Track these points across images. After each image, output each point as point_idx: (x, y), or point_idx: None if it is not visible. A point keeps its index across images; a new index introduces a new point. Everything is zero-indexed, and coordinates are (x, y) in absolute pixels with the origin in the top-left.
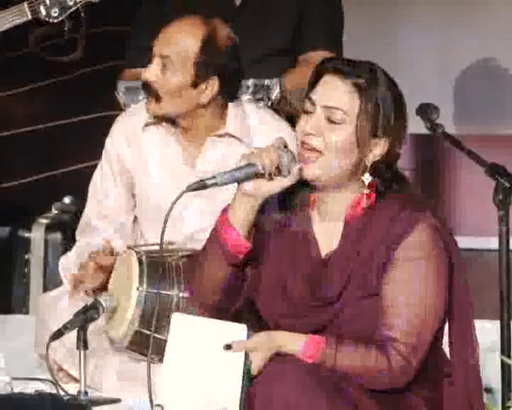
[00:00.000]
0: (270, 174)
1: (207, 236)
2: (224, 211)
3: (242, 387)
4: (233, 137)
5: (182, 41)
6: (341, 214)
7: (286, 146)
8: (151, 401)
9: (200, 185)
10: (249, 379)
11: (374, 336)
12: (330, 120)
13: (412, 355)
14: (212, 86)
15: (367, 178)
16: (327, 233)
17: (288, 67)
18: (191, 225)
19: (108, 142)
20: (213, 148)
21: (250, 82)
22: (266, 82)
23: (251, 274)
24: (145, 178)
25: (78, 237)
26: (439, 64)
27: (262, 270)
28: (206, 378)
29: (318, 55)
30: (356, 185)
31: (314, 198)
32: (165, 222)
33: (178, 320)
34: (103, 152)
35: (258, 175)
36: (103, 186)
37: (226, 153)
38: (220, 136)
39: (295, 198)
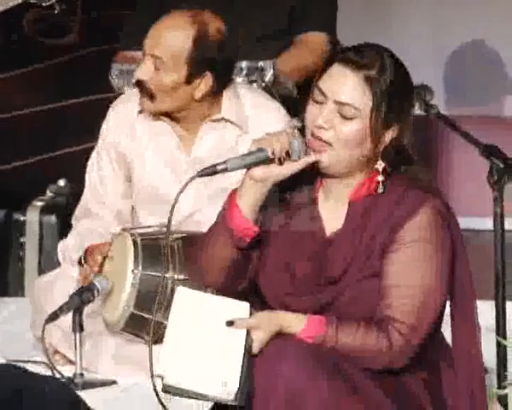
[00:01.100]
0: (279, 159)
1: (203, 217)
2: (232, 195)
3: (243, 364)
4: (228, 121)
5: (173, 40)
6: (347, 196)
7: (299, 130)
8: (153, 381)
9: (211, 171)
10: (249, 357)
11: (375, 316)
12: (342, 115)
13: (413, 335)
14: (205, 81)
15: (380, 164)
16: (332, 214)
17: (282, 49)
18: (188, 207)
19: (104, 129)
20: (208, 133)
21: (244, 64)
22: (260, 64)
23: (256, 256)
24: (141, 164)
25: (74, 223)
26: (432, 47)
27: (266, 249)
28: (207, 353)
29: (313, 37)
30: (366, 170)
31: (321, 181)
32: (172, 210)
33: (182, 294)
34: (100, 139)
35: (267, 160)
36: (101, 173)
37: (221, 137)
38: (215, 121)
39: (302, 180)
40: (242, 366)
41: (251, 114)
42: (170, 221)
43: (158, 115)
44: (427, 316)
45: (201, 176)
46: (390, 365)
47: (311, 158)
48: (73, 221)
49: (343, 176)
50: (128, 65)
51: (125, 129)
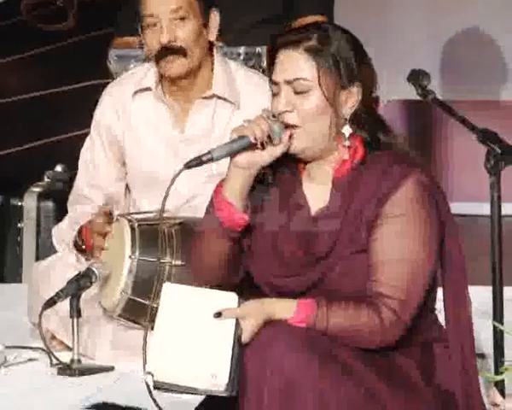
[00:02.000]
0: (262, 144)
1: (201, 202)
2: (218, 187)
3: (233, 355)
4: (220, 98)
5: None
6: (330, 174)
7: (274, 115)
8: (145, 368)
9: (197, 162)
10: (240, 347)
11: (364, 292)
12: (297, 92)
13: (403, 310)
14: (214, 19)
15: (346, 129)
16: (317, 193)
17: None
18: (185, 193)
19: (97, 112)
20: (201, 110)
21: (241, 49)
22: (258, 49)
23: (246, 243)
24: (136, 145)
25: (69, 208)
26: (428, 31)
27: (254, 235)
28: (196, 346)
29: (310, 21)
30: (341, 147)
31: (303, 165)
32: (165, 198)
33: (169, 290)
34: (92, 122)
35: (250, 147)
36: (93, 156)
37: (214, 115)
38: (207, 98)
39: (285, 166)
40: (232, 357)
41: (243, 89)
42: (163, 211)
43: (183, 77)
44: (417, 290)
45: (188, 168)
46: (382, 341)
47: (287, 133)
48: (68, 206)
49: (320, 156)
50: (125, 50)
51: (119, 111)
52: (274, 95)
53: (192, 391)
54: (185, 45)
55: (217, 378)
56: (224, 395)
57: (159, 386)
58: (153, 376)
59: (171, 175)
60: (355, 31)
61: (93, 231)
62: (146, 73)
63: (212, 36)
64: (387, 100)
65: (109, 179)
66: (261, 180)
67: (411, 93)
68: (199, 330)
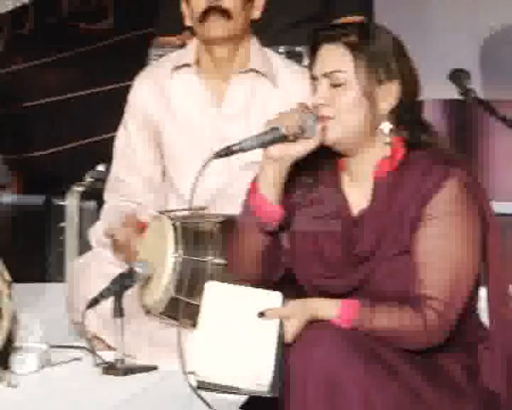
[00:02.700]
0: (294, 136)
1: (236, 190)
2: (254, 180)
3: (276, 355)
4: (257, 72)
5: None
6: (370, 174)
7: (308, 108)
8: (183, 366)
9: (227, 152)
10: (283, 347)
11: (408, 294)
12: (334, 85)
13: (447, 311)
14: None
15: (385, 126)
16: (357, 193)
17: None
18: (220, 181)
19: (131, 96)
20: (239, 86)
21: (282, 49)
22: (298, 49)
23: (288, 244)
24: (173, 125)
25: (106, 197)
26: (468, 30)
27: (295, 235)
28: (239, 346)
29: (351, 20)
30: (382, 146)
31: (343, 162)
32: (193, 191)
33: (212, 288)
34: (126, 107)
35: (283, 139)
36: (129, 141)
37: (251, 90)
38: (245, 72)
39: (324, 164)
40: (276, 358)
41: (280, 69)
42: (191, 202)
43: (224, 43)
44: (461, 290)
45: (218, 157)
46: (427, 343)
47: (323, 133)
48: (105, 195)
49: (360, 150)
50: (166, 49)
51: (154, 92)
52: (314, 89)
53: (235, 391)
54: (230, 7)
55: (260, 379)
56: (267, 395)
57: (202, 386)
58: (196, 375)
59: (208, 153)
60: (395, 30)
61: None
62: (182, 53)
63: (256, 14)
64: (429, 99)
65: (146, 161)
66: (301, 179)
67: (450, 93)
68: (242, 330)
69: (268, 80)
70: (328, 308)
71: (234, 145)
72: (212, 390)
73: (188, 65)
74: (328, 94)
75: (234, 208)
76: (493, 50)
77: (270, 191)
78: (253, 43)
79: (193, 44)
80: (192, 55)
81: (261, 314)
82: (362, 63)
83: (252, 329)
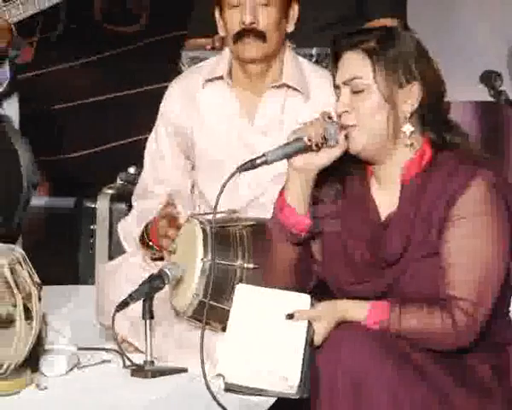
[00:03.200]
0: (317, 145)
1: (268, 199)
2: (281, 193)
3: (304, 357)
4: (290, 87)
5: None
6: (398, 177)
7: (330, 117)
8: (203, 368)
9: (251, 165)
10: (311, 349)
11: (437, 295)
12: (354, 92)
13: (476, 311)
14: (294, 10)
15: (407, 128)
16: (385, 197)
17: None
18: (246, 194)
19: (163, 104)
20: (271, 100)
21: (314, 51)
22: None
23: (317, 251)
24: (204, 135)
25: (134, 203)
26: (498, 32)
27: (325, 242)
28: (267, 348)
29: (384, 22)
30: (407, 150)
31: (370, 169)
32: (217, 203)
33: (242, 291)
34: (158, 115)
35: (306, 149)
36: (159, 149)
37: (284, 104)
38: (278, 87)
39: (352, 170)
40: (304, 360)
41: (313, 81)
42: (215, 213)
43: (257, 63)
44: (489, 290)
45: (241, 171)
46: (456, 344)
47: (344, 133)
48: (133, 200)
49: (384, 156)
50: (198, 51)
51: (186, 102)
52: (337, 99)
53: (263, 393)
54: (265, 30)
55: (288, 381)
56: (295, 397)
57: (230, 388)
58: (224, 378)
59: (233, 178)
60: (425, 32)
61: (158, 234)
62: (215, 64)
63: (291, 27)
64: (460, 101)
65: (175, 171)
66: (331, 186)
67: (483, 95)
68: (271, 332)
69: (300, 94)
70: (358, 310)
71: (257, 158)
72: (240, 393)
73: (220, 77)
74: (349, 101)
75: (266, 216)
76: None
77: (297, 202)
78: (287, 56)
79: (225, 55)
80: (224, 67)
81: (290, 316)
82: (381, 68)
83: (280, 331)
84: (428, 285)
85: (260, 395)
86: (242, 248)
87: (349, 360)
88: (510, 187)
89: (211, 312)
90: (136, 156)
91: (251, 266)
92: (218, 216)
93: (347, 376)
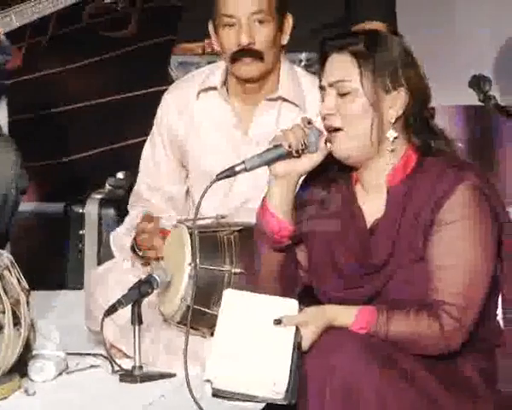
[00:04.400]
0: (297, 152)
1: (256, 205)
2: (263, 198)
3: (292, 362)
4: (285, 100)
5: None
6: (383, 183)
7: (310, 123)
8: (186, 373)
9: (230, 172)
10: (299, 354)
11: (424, 301)
12: (340, 94)
13: (464, 316)
14: (288, 22)
15: (390, 133)
16: (372, 204)
17: None
18: (243, 195)
19: (159, 112)
20: (266, 112)
21: (303, 55)
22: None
23: (305, 259)
24: (198, 144)
25: (130, 210)
26: (493, 35)
27: (311, 249)
28: (255, 354)
29: (372, 26)
30: (392, 155)
31: (356, 175)
32: (197, 208)
33: (230, 296)
34: (154, 123)
35: (287, 155)
36: (154, 157)
37: (279, 117)
38: (273, 99)
39: (338, 176)
40: (291, 365)
41: (309, 92)
42: (195, 220)
43: (255, 81)
44: (477, 294)
45: (220, 179)
46: (444, 349)
47: (323, 140)
48: (129, 208)
49: (369, 161)
50: (187, 56)
51: (182, 110)
52: (321, 101)
53: (251, 399)
54: (262, 49)
55: (276, 386)
56: (283, 403)
57: (217, 393)
58: (211, 383)
59: (230, 180)
60: (414, 37)
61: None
62: (210, 74)
63: (285, 40)
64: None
65: (170, 180)
66: (316, 192)
67: (469, 99)
68: (258, 337)
69: (296, 106)
70: (345, 315)
71: (237, 165)
72: (227, 398)
73: (214, 88)
74: (334, 104)
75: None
76: None
77: (278, 208)
78: (284, 68)
79: (220, 65)
80: (219, 77)
81: (278, 322)
82: (368, 72)
83: (268, 336)
84: (416, 290)
85: (248, 400)
86: (230, 253)
87: (338, 366)
88: (494, 190)
89: (199, 317)
90: (125, 161)
91: (238, 270)
92: (207, 221)
93: (336, 381)
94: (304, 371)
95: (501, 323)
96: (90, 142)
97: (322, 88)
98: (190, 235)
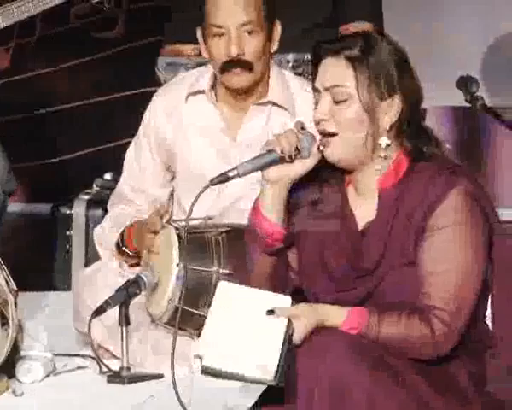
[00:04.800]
0: (290, 157)
1: (247, 205)
2: (256, 202)
3: (283, 349)
4: (275, 105)
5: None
6: (375, 187)
7: (303, 128)
8: (173, 373)
9: (223, 178)
10: (291, 346)
11: (415, 304)
12: (336, 101)
13: (454, 321)
14: (277, 30)
15: (383, 140)
16: (364, 207)
17: None
18: (234, 194)
19: (147, 115)
20: (256, 116)
21: (290, 56)
22: (306, 56)
23: (296, 262)
24: (186, 148)
25: (110, 209)
26: (481, 35)
27: (302, 251)
28: (247, 337)
29: (359, 27)
30: (385, 160)
31: (348, 177)
32: (190, 213)
33: (224, 288)
34: (141, 125)
35: (279, 160)
36: (139, 160)
37: (268, 120)
38: (263, 104)
39: (330, 177)
40: (282, 351)
41: (298, 97)
42: (187, 225)
43: (244, 90)
44: (468, 299)
45: (214, 184)
46: (434, 353)
47: (316, 145)
48: (109, 207)
49: (362, 166)
50: (174, 58)
51: (170, 114)
52: (315, 103)
53: (239, 378)
54: (252, 60)
55: (265, 367)
56: (271, 383)
57: (206, 371)
58: (201, 360)
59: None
60: (404, 37)
61: (148, 229)
62: (199, 77)
63: (274, 47)
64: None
65: (154, 183)
66: (308, 195)
67: (456, 99)
68: (251, 324)
69: (285, 111)
70: (337, 315)
71: (230, 171)
72: (216, 377)
73: (203, 91)
74: (329, 109)
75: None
76: (505, 57)
77: (271, 212)
78: (273, 73)
79: (209, 69)
80: (208, 81)
81: (271, 312)
82: (364, 78)
83: (261, 324)
84: (406, 295)
85: (236, 379)
86: (218, 253)
87: (328, 366)
88: (486, 194)
89: (187, 318)
90: (112, 162)
91: (226, 271)
92: (195, 222)
93: (326, 382)
94: (294, 371)
95: (490, 325)
96: (77, 143)
97: (315, 90)
98: (178, 236)
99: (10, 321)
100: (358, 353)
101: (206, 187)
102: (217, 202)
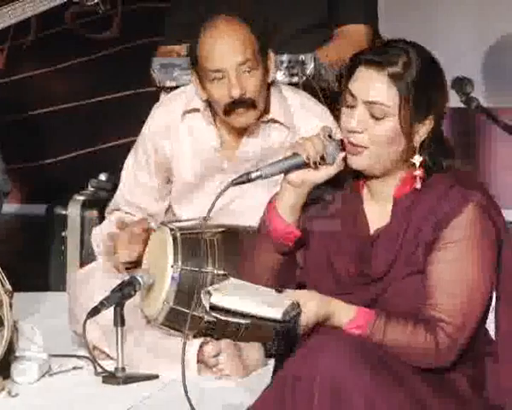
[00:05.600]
0: (315, 163)
1: (240, 206)
2: (271, 200)
3: (293, 305)
4: (276, 122)
5: (245, 39)
6: (391, 193)
7: (330, 135)
8: (183, 377)
9: (245, 179)
10: (298, 325)
11: (419, 314)
12: (373, 116)
13: (459, 335)
14: (271, 60)
15: (417, 159)
16: (377, 212)
17: (322, 42)
18: (228, 195)
19: (146, 128)
20: (255, 133)
21: (285, 57)
22: (301, 57)
23: (300, 256)
24: (182, 162)
25: (108, 216)
26: (474, 38)
27: (310, 250)
28: (256, 295)
29: (354, 29)
30: (405, 166)
31: (364, 181)
32: (209, 212)
33: (233, 281)
34: (140, 137)
35: (303, 165)
36: (136, 174)
37: (268, 137)
38: (263, 122)
39: (345, 180)
40: (292, 305)
41: (298, 115)
42: (206, 220)
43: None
44: (473, 314)
45: (235, 184)
46: (435, 364)
47: (342, 155)
48: (106, 215)
49: (383, 175)
50: (169, 58)
51: (169, 128)
52: (348, 106)
53: (247, 318)
54: (254, 97)
55: (273, 308)
56: (279, 322)
57: (214, 308)
58: (210, 296)
59: (216, 184)
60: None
61: (129, 241)
62: (195, 95)
63: (271, 77)
64: None
65: (150, 200)
66: (321, 196)
67: (452, 100)
68: (260, 293)
69: (286, 128)
70: (345, 311)
71: (253, 172)
72: (223, 315)
73: (198, 110)
74: (364, 122)
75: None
76: (499, 58)
77: (287, 213)
78: (272, 93)
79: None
80: (203, 99)
81: (280, 290)
82: (406, 99)
83: (270, 293)
84: (411, 304)
85: (243, 318)
86: (213, 254)
87: (327, 367)
88: (498, 207)
89: (182, 318)
90: (107, 163)
91: (221, 272)
92: (189, 223)
93: (325, 382)
94: (292, 372)
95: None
96: (72, 143)
97: (352, 95)
98: (173, 237)
99: (5, 322)
100: (358, 354)
101: (228, 187)
102: (208, 204)
